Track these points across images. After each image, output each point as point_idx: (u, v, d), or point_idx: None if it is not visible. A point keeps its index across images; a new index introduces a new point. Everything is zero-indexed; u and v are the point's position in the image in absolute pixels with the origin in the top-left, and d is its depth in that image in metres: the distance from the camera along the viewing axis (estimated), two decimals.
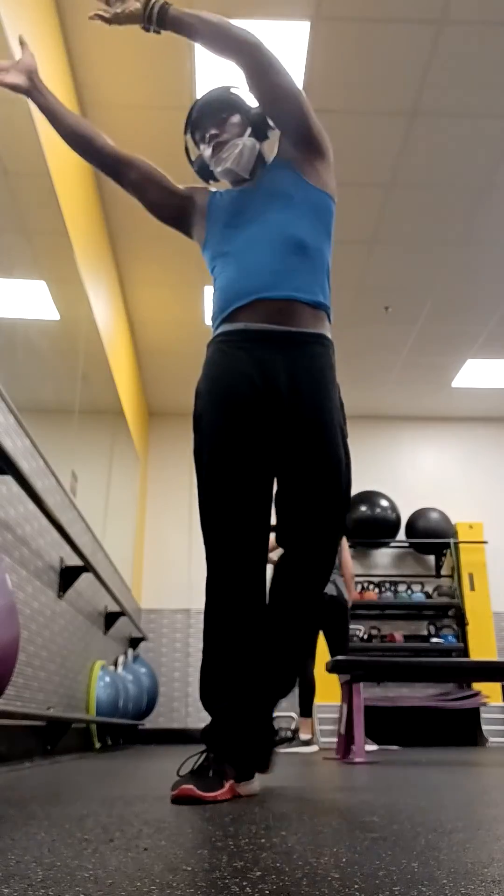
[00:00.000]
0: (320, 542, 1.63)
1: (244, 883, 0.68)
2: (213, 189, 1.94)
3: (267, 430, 1.65)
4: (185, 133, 1.93)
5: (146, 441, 7.35)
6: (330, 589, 4.57)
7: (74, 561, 3.47)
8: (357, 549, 7.26)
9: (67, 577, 3.44)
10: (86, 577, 3.75)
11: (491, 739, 6.15)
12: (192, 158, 1.98)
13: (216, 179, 1.96)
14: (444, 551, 7.08)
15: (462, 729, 6.16)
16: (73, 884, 0.67)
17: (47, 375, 3.48)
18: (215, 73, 3.60)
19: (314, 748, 4.71)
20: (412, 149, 4.12)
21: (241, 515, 1.62)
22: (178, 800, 1.36)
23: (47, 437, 3.15)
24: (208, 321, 1.87)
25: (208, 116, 1.86)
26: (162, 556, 6.96)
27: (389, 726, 5.34)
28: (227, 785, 1.44)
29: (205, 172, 1.96)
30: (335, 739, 4.14)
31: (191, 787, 1.35)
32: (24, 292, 3.17)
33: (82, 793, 1.56)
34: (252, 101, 1.86)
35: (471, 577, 6.87)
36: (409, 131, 4.00)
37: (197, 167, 1.96)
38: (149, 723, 5.85)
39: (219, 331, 1.75)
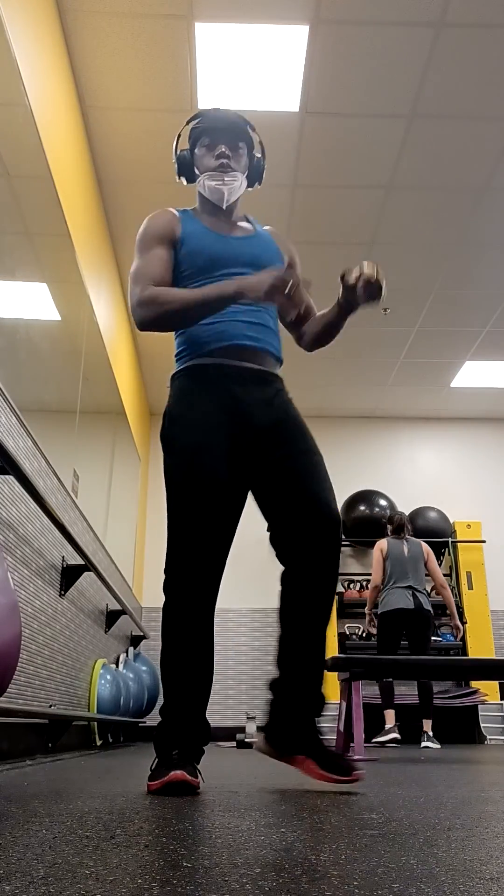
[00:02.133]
0: (336, 524, 1.74)
1: (244, 879, 0.68)
2: (178, 212, 1.91)
3: (243, 451, 1.77)
4: (188, 124, 1.96)
5: (147, 441, 7.36)
6: (406, 601, 4.99)
7: (76, 560, 3.48)
8: (355, 549, 7.28)
9: (69, 575, 3.45)
10: (87, 576, 3.76)
11: (489, 737, 6.17)
12: (179, 149, 1.98)
13: (191, 181, 1.97)
14: (443, 550, 7.08)
15: (461, 726, 6.19)
16: (75, 881, 0.67)
17: (49, 376, 3.49)
18: (216, 77, 3.61)
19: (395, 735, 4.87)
20: (411, 151, 4.13)
21: (212, 530, 1.75)
22: (171, 784, 1.46)
23: (49, 438, 3.15)
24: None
25: (227, 134, 1.90)
26: (162, 555, 6.91)
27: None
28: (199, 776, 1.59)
29: (187, 169, 1.96)
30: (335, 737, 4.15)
31: (183, 773, 1.46)
32: (26, 293, 3.19)
33: (83, 790, 1.57)
34: (257, 149, 1.98)
35: (469, 575, 6.88)
36: (408, 133, 4.01)
37: (181, 160, 1.96)
38: (149, 720, 5.85)
39: (191, 363, 1.83)
